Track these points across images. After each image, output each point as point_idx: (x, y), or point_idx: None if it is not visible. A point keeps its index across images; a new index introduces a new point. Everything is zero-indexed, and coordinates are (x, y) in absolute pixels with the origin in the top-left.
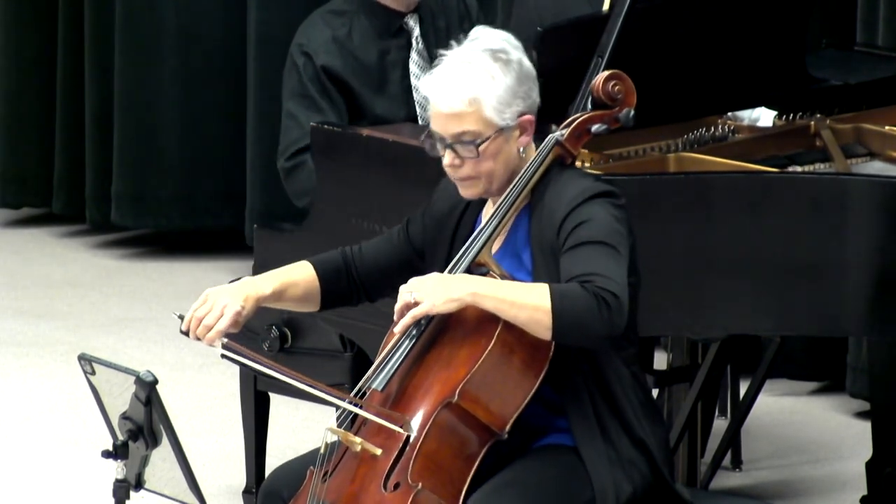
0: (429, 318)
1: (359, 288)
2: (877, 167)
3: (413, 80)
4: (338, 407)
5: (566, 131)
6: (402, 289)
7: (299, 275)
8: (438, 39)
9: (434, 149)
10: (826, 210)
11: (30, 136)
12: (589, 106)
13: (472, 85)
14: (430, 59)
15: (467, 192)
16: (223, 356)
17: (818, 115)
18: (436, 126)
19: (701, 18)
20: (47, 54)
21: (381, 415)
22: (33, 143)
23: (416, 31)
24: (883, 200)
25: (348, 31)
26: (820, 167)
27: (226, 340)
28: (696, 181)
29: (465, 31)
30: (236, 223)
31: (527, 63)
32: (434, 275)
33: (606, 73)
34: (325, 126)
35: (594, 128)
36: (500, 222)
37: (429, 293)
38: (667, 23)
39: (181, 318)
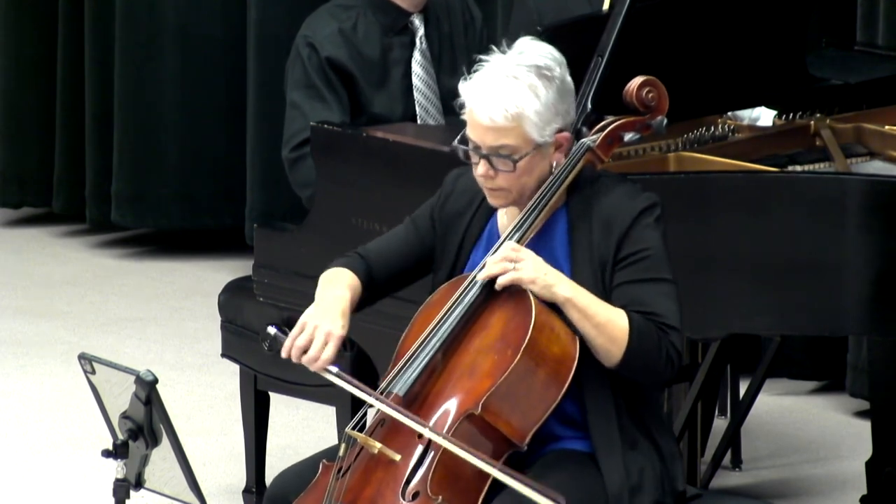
0: (458, 326)
1: (378, 290)
2: (877, 167)
3: (414, 80)
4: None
5: (598, 137)
6: (509, 247)
7: (351, 280)
8: (442, 43)
9: (467, 155)
10: (826, 210)
11: (30, 136)
12: (589, 105)
13: (516, 101)
14: (433, 60)
15: (496, 201)
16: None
17: (818, 115)
18: (473, 135)
19: (701, 18)
20: (47, 54)
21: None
22: (33, 143)
23: (421, 31)
24: (882, 200)
25: (353, 24)
26: (820, 167)
27: (335, 369)
28: (696, 181)
29: (469, 39)
30: (236, 223)
31: (568, 79)
32: (541, 260)
33: (640, 79)
34: (326, 126)
35: (627, 135)
36: (529, 226)
37: (534, 270)
38: (667, 23)
39: (273, 340)
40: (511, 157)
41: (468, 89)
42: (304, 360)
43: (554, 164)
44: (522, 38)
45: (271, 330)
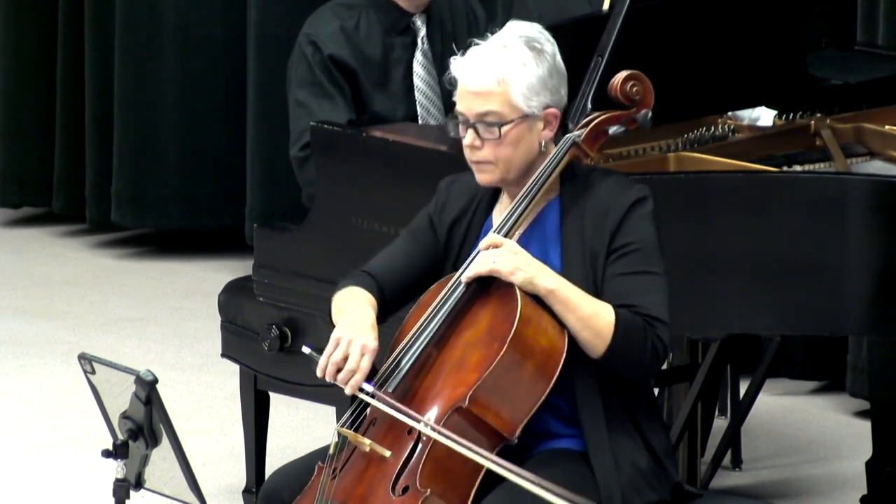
0: (448, 320)
1: (390, 307)
2: (877, 167)
3: (416, 80)
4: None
5: (583, 132)
6: (490, 240)
7: (369, 298)
8: (444, 43)
9: (456, 129)
10: (826, 210)
11: (30, 136)
12: (589, 104)
13: (503, 66)
14: (435, 60)
15: (483, 176)
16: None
17: (818, 115)
18: (461, 105)
19: (701, 18)
20: (47, 54)
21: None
22: (33, 143)
23: (423, 32)
24: (883, 200)
25: (356, 23)
26: (820, 167)
27: (370, 388)
28: (696, 181)
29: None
30: (236, 223)
31: (560, 59)
32: (527, 253)
33: (625, 73)
34: (325, 126)
35: (612, 129)
36: (517, 220)
37: (513, 263)
38: (667, 22)
39: (308, 360)
40: (497, 123)
41: (459, 62)
42: (341, 376)
43: (542, 144)
44: (512, 21)
45: (305, 350)
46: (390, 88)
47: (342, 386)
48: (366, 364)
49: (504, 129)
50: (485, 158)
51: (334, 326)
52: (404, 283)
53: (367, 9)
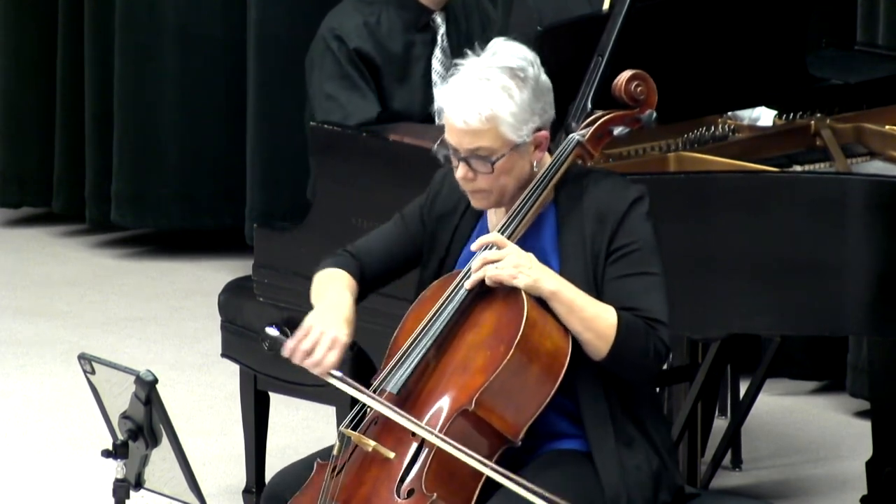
0: (450, 322)
1: (368, 288)
2: (877, 167)
3: (434, 77)
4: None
5: (587, 132)
6: (491, 238)
7: (349, 282)
8: (461, 42)
9: (447, 159)
10: (826, 210)
11: (30, 136)
12: (589, 105)
13: (488, 102)
14: (453, 58)
15: (479, 203)
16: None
17: (818, 115)
18: (450, 138)
19: (701, 18)
20: (47, 54)
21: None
22: (33, 143)
23: (443, 29)
24: (883, 200)
25: (377, 19)
26: (820, 167)
27: (339, 374)
28: (696, 181)
29: (484, 38)
30: (236, 223)
31: (543, 78)
32: (530, 255)
33: (629, 73)
34: (325, 126)
35: (616, 130)
36: (519, 223)
37: (514, 266)
38: (667, 22)
39: (273, 341)
40: (488, 158)
41: (442, 94)
42: (308, 363)
43: (534, 164)
44: (495, 40)
45: (271, 331)
46: (409, 84)
47: (314, 371)
48: (333, 358)
49: (497, 163)
50: (479, 188)
51: (312, 307)
52: (385, 267)
53: (388, 5)
